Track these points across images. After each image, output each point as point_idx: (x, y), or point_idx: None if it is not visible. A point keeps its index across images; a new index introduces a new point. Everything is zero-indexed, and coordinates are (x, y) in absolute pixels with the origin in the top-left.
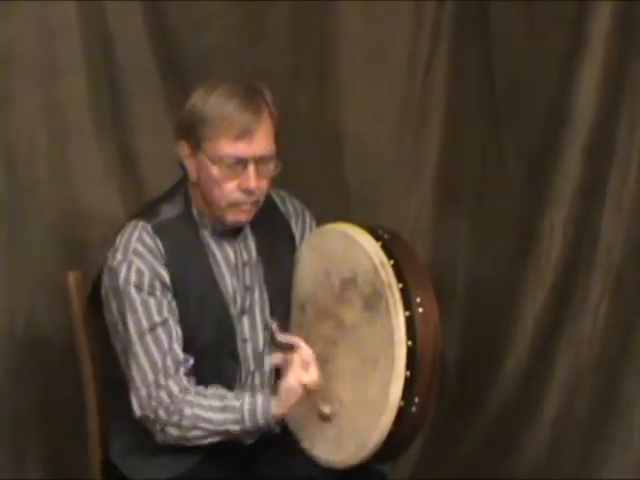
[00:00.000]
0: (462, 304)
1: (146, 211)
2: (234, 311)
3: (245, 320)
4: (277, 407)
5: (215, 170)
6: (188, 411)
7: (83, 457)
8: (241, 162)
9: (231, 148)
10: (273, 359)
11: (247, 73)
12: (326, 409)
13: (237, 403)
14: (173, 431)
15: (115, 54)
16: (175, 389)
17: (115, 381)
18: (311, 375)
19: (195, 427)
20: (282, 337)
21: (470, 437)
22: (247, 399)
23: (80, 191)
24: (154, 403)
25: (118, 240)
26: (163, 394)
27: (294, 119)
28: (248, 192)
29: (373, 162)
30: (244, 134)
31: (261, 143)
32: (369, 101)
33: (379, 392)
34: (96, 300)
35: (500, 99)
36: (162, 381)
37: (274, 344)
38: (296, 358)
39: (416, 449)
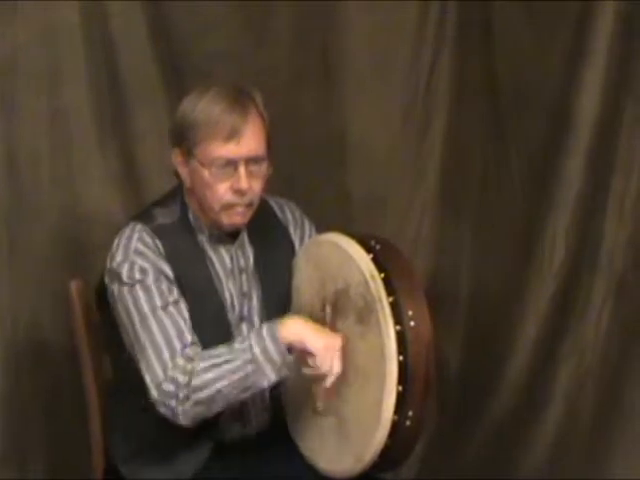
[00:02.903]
0: (465, 311)
1: (143, 215)
2: (232, 317)
3: (244, 327)
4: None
5: (206, 173)
6: (198, 365)
7: (85, 461)
8: (231, 163)
9: (221, 150)
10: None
11: (250, 77)
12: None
13: (244, 344)
14: (195, 395)
15: (118, 59)
16: (191, 353)
17: (117, 386)
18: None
19: (208, 384)
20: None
21: (473, 444)
22: (253, 335)
23: (82, 197)
24: (171, 371)
25: (116, 242)
26: (179, 359)
27: (297, 125)
28: (240, 193)
29: (375, 168)
30: (232, 136)
31: (250, 144)
32: (372, 105)
33: (373, 406)
34: (103, 305)
35: (503, 104)
36: (178, 348)
37: None
38: None
39: (418, 454)
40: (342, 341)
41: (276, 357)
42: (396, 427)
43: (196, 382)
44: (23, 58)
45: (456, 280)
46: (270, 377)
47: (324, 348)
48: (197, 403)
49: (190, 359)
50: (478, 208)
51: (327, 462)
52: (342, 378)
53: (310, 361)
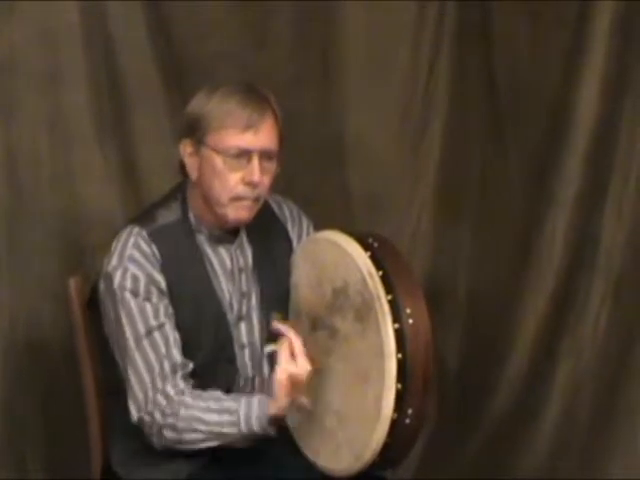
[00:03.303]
0: (463, 310)
1: (142, 217)
2: (231, 317)
3: (243, 326)
4: (272, 407)
5: (219, 161)
6: (184, 412)
7: (84, 461)
8: (246, 154)
9: (237, 139)
10: (266, 349)
11: (251, 79)
12: (304, 401)
13: (234, 405)
14: (169, 434)
15: (118, 61)
16: (171, 392)
17: (115, 386)
18: (299, 366)
19: (191, 429)
20: (276, 326)
21: (471, 442)
22: (244, 401)
23: (82, 197)
24: (150, 406)
25: (114, 246)
26: (159, 397)
27: (297, 125)
28: (252, 185)
29: (374, 167)
30: (250, 126)
31: (266, 137)
32: (371, 105)
33: (372, 404)
34: (95, 306)
35: (502, 104)
36: (159, 384)
37: (269, 333)
38: (283, 350)
39: (417, 453)
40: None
41: (260, 433)
42: (395, 425)
43: (178, 437)
44: (22, 58)
45: (454, 279)
46: (249, 446)
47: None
48: (174, 445)
49: (170, 399)
50: (477, 207)
51: (326, 460)
52: (341, 376)
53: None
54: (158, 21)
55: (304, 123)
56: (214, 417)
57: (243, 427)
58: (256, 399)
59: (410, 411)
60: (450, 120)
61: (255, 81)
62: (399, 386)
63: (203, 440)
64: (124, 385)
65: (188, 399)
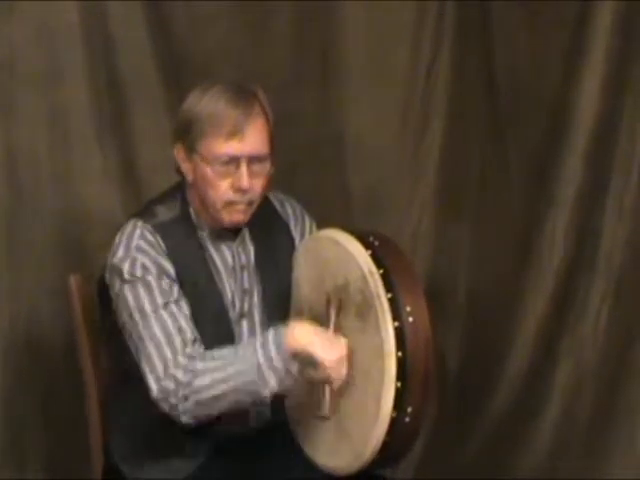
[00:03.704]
0: (463, 310)
1: (143, 213)
2: (233, 314)
3: (244, 323)
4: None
5: (209, 170)
6: (200, 365)
7: (84, 461)
8: (234, 161)
9: (223, 147)
10: None
11: (250, 78)
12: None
13: (251, 339)
14: (188, 393)
15: (117, 59)
16: (194, 353)
17: (117, 383)
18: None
19: (209, 382)
20: None
21: (471, 443)
22: (259, 336)
23: (81, 195)
24: (172, 369)
25: (118, 238)
26: (180, 357)
27: (297, 125)
28: (241, 191)
29: (374, 167)
30: (235, 132)
31: (253, 142)
32: (371, 105)
33: (372, 402)
34: (106, 297)
35: (501, 104)
36: (179, 347)
37: None
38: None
39: (417, 453)
40: (346, 346)
41: (280, 366)
42: (395, 424)
43: (196, 383)
44: (22, 57)
45: (454, 279)
46: (272, 386)
47: (332, 361)
48: (197, 404)
49: (192, 357)
50: (477, 207)
51: (326, 458)
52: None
53: (316, 370)
54: (158, 21)
55: (304, 123)
56: (230, 357)
57: (261, 358)
58: (271, 330)
59: (410, 409)
60: (450, 120)
61: (255, 81)
62: (399, 384)
63: (224, 393)
64: (127, 382)
65: (208, 355)
